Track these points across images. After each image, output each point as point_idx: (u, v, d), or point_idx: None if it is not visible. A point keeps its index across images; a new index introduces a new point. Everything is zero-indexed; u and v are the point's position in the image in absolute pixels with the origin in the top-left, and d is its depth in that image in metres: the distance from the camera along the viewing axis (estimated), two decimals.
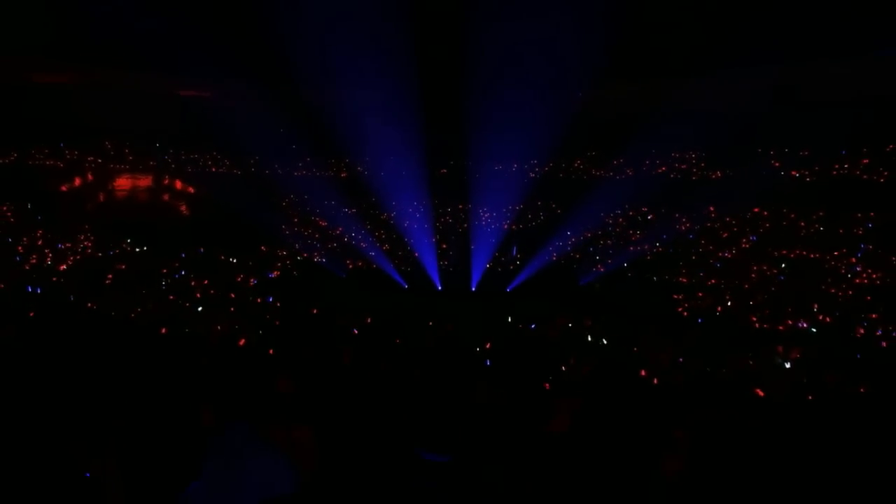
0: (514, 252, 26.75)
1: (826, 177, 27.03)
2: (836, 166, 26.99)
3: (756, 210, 27.43)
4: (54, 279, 18.67)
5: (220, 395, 3.57)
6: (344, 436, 2.74)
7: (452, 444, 2.11)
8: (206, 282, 20.02)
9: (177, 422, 2.87)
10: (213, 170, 34.70)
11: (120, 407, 3.03)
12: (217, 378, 4.27)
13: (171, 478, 2.46)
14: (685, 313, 18.54)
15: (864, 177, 26.43)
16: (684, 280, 22.30)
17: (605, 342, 12.96)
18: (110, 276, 19.71)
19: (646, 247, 26.63)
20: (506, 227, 30.79)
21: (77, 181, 31.60)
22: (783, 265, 22.67)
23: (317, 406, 3.65)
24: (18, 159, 31.24)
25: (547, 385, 7.56)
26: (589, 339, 13.33)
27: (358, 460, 2.42)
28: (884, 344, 14.93)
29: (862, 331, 15.41)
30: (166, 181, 33.27)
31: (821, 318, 17.16)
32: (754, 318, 17.30)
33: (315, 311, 16.08)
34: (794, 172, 27.85)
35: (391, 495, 1.90)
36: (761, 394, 5.87)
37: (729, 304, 19.34)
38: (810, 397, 6.72)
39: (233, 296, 17.05)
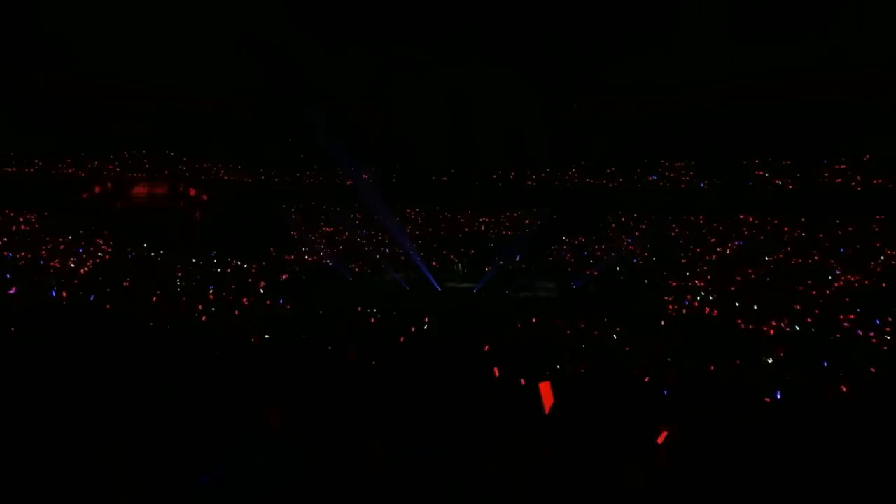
0: (517, 258, 26.51)
1: (809, 185, 27.11)
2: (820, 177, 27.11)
3: (741, 217, 27.47)
4: (75, 282, 18.69)
5: (232, 393, 3.57)
6: (346, 431, 2.73)
7: (449, 440, 2.11)
8: (218, 284, 20.05)
9: (190, 418, 2.87)
10: (225, 178, 34.82)
11: (138, 404, 3.03)
12: (229, 377, 4.27)
13: (182, 469, 2.47)
14: (675, 314, 18.50)
15: (839, 180, 26.52)
16: (673, 283, 22.27)
17: (598, 343, 12.92)
18: (128, 279, 19.72)
19: (637, 251, 26.63)
20: (505, 233, 30.82)
21: (97, 189, 31.65)
22: (770, 268, 22.65)
23: (322, 403, 3.64)
24: (42, 168, 31.37)
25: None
26: (583, 339, 13.31)
27: (357, 455, 2.42)
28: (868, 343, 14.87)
29: (839, 335, 15.31)
30: (181, 189, 33.31)
31: (803, 318, 17.13)
32: (739, 320, 17.27)
33: (321, 312, 16.08)
34: (776, 181, 27.90)
35: (388, 489, 1.90)
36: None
37: (716, 305, 19.31)
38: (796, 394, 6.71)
39: (245, 301, 17.00)
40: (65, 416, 2.41)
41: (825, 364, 10.23)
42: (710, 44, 30.02)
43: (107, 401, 3.00)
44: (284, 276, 23.29)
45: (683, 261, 25.05)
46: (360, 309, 16.88)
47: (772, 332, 14.75)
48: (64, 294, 15.93)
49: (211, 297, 18.08)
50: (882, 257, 21.36)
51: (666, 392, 5.05)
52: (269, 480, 2.30)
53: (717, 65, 30.00)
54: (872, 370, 9.23)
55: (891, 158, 25.30)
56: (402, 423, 2.22)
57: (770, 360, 10.13)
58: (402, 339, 11.80)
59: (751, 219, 27.20)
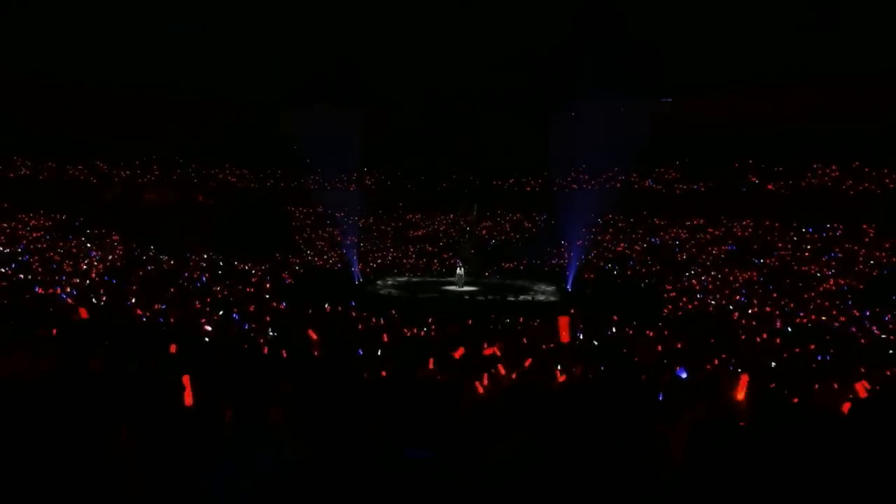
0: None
1: (801, 189, 27.12)
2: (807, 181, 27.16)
3: (737, 220, 27.48)
4: (86, 283, 18.68)
5: (236, 394, 3.56)
6: (345, 429, 2.72)
7: (444, 440, 2.08)
8: (224, 286, 20.05)
9: (196, 418, 2.86)
10: (233, 180, 34.89)
11: (145, 404, 3.03)
12: (233, 378, 4.26)
13: (189, 469, 2.47)
14: (671, 315, 18.43)
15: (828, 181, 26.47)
16: (669, 286, 22.23)
17: (595, 343, 12.85)
18: (135, 283, 19.70)
19: (635, 253, 26.63)
20: (506, 237, 30.82)
21: (108, 194, 31.73)
22: (764, 271, 22.63)
23: (323, 401, 3.63)
24: (55, 173, 31.47)
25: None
26: (580, 339, 13.24)
27: (355, 452, 2.40)
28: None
29: (829, 336, 15.20)
30: (189, 193, 33.40)
31: (797, 319, 17.07)
32: (734, 318, 17.21)
33: (324, 313, 16.05)
34: (769, 186, 27.89)
35: (383, 486, 1.87)
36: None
37: (712, 306, 19.29)
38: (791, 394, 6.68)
39: (252, 308, 16.91)
40: (75, 412, 2.41)
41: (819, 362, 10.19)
42: (705, 47, 30.06)
43: (116, 398, 2.99)
44: (288, 280, 23.27)
45: (680, 257, 25.09)
46: (362, 311, 16.86)
47: (765, 334, 14.67)
48: (76, 294, 15.94)
49: (219, 296, 18.08)
50: (868, 262, 21.41)
51: (662, 395, 5.01)
52: (265, 473, 2.29)
53: (714, 68, 30.05)
54: (863, 370, 9.17)
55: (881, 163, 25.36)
56: (398, 423, 2.20)
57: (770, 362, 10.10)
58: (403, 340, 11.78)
59: (745, 222, 27.21)
